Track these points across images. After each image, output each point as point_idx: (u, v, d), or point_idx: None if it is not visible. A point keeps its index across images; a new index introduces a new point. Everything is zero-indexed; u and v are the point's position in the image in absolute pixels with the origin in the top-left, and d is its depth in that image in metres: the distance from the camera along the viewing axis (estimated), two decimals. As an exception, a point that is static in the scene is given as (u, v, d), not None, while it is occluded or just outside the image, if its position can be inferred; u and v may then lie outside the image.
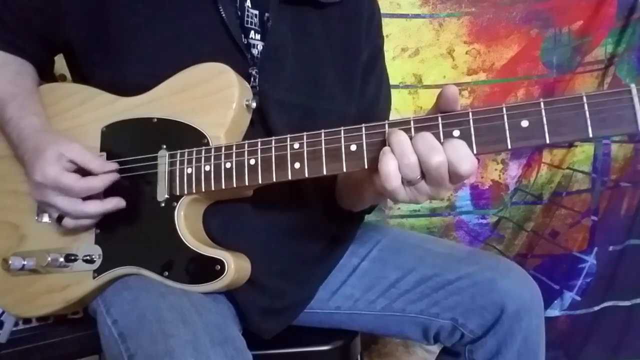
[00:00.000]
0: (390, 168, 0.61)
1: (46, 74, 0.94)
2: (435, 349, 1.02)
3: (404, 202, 0.64)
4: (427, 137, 0.61)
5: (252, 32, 0.83)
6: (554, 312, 1.66)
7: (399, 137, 0.62)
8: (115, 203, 0.78)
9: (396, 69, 1.65)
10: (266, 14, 0.83)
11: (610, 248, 1.66)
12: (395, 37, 1.65)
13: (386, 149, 0.62)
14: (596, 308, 1.66)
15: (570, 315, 1.67)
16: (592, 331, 1.66)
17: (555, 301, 1.66)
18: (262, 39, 0.83)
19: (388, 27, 1.63)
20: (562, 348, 1.66)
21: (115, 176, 0.78)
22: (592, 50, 1.66)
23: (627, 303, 1.67)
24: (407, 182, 0.62)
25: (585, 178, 1.67)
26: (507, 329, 0.85)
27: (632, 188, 1.65)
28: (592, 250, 1.65)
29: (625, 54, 1.63)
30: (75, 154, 0.76)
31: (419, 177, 0.61)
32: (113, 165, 0.78)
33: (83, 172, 0.77)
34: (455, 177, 0.61)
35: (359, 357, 1.04)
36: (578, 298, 1.65)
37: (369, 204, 0.90)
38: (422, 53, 1.67)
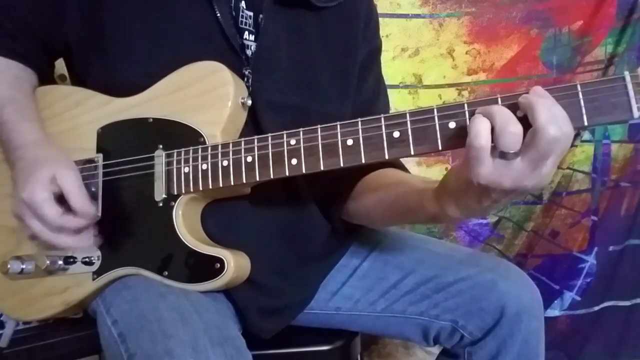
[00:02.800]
0: (482, 126, 0.56)
1: (46, 79, 0.94)
2: (435, 350, 1.02)
3: (485, 181, 0.58)
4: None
5: (246, 32, 0.83)
6: (554, 312, 1.66)
7: (500, 108, 0.57)
8: (87, 242, 0.77)
9: (396, 69, 1.65)
10: (260, 15, 0.82)
11: (610, 248, 1.66)
12: (395, 37, 1.65)
13: (478, 114, 0.58)
14: (596, 308, 1.66)
15: (570, 315, 1.67)
16: (592, 331, 1.66)
17: (555, 301, 1.66)
18: (255, 40, 0.83)
19: (388, 27, 1.63)
20: (562, 348, 1.66)
21: (93, 221, 0.77)
22: (592, 50, 1.66)
23: (627, 303, 1.67)
24: (500, 153, 0.57)
25: (585, 178, 1.67)
26: (506, 331, 0.85)
27: (632, 188, 1.66)
28: (592, 250, 1.65)
29: (625, 54, 1.63)
30: (65, 183, 0.75)
31: (517, 150, 0.56)
32: (94, 210, 0.77)
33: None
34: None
35: (359, 357, 1.04)
36: (578, 298, 1.65)
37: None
38: (422, 53, 1.67)
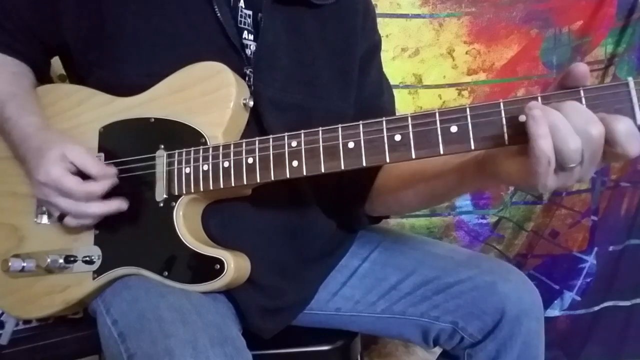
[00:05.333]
0: (548, 150, 0.53)
1: (43, 76, 0.94)
2: (436, 349, 1.02)
3: (551, 188, 0.57)
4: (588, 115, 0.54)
5: (246, 32, 0.83)
6: (554, 312, 1.66)
7: (557, 120, 0.53)
8: (118, 204, 0.78)
9: (396, 69, 1.65)
10: (259, 15, 0.82)
11: (610, 248, 1.65)
12: (395, 37, 1.65)
13: (539, 131, 0.53)
14: (596, 308, 1.66)
15: (570, 315, 1.66)
16: (592, 331, 1.65)
17: (555, 301, 1.66)
18: (255, 40, 0.83)
19: (388, 27, 1.63)
20: (562, 348, 1.66)
21: (114, 181, 0.78)
22: (592, 50, 1.66)
23: (627, 303, 1.66)
24: (560, 166, 0.55)
25: (585, 178, 1.67)
26: (506, 333, 0.85)
27: (632, 188, 1.65)
28: (592, 250, 1.65)
29: (625, 54, 1.63)
30: (77, 156, 0.76)
31: (579, 162, 0.54)
32: (113, 170, 0.78)
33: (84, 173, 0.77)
34: (615, 158, 0.55)
35: (359, 357, 1.04)
36: (578, 298, 1.65)
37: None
38: (422, 53, 1.67)
